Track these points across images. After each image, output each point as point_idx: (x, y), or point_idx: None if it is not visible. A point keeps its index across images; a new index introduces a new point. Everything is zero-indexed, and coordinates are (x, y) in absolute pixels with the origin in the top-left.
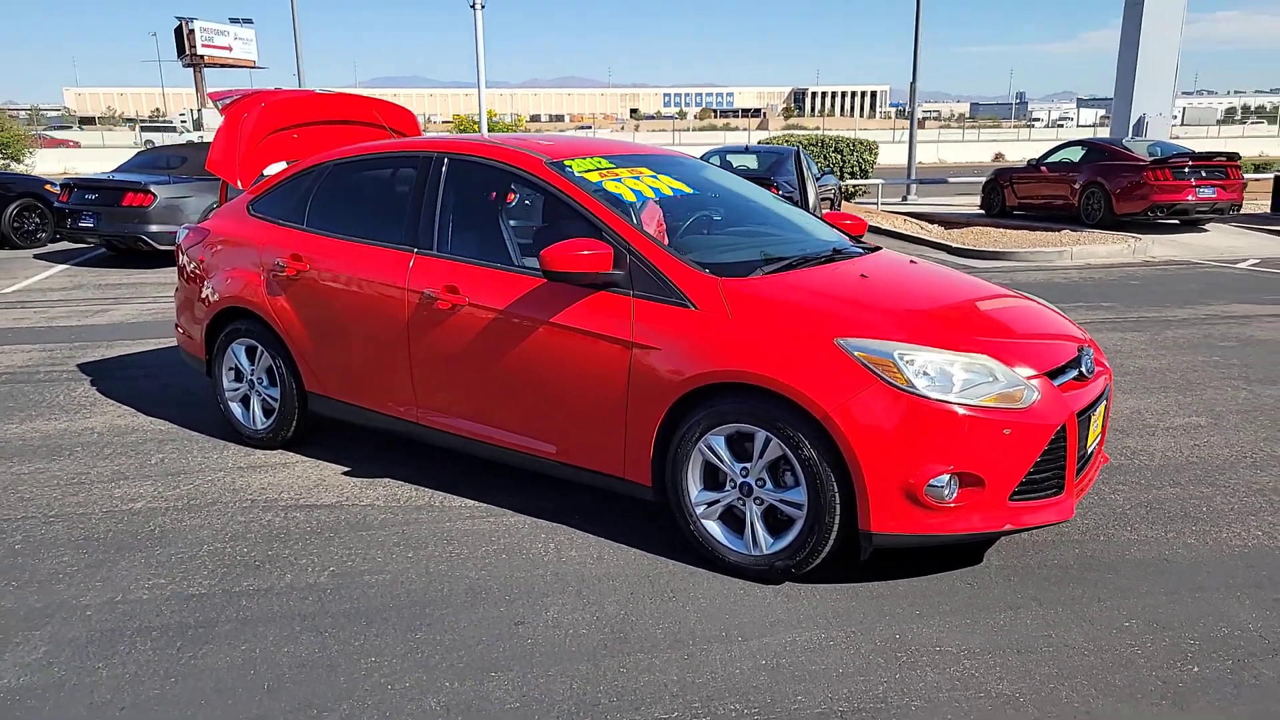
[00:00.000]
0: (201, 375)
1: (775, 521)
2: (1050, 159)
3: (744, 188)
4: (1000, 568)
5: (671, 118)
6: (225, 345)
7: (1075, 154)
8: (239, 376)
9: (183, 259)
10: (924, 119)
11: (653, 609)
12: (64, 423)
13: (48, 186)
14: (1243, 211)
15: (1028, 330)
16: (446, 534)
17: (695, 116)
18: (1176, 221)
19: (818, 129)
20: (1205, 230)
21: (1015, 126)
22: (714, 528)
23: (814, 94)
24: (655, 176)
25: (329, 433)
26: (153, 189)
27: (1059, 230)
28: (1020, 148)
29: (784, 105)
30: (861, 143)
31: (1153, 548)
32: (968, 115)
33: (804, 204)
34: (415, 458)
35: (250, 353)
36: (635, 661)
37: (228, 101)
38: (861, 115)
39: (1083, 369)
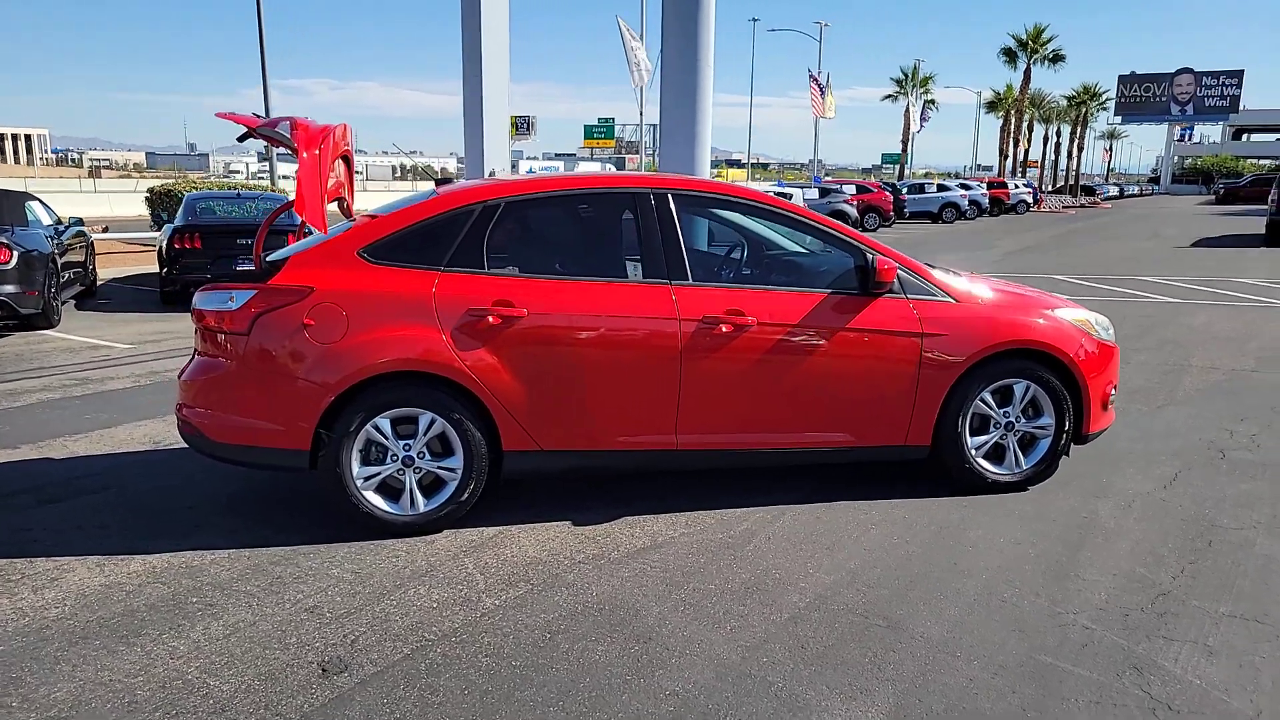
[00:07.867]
0: (130, 482)
1: (1022, 446)
2: None
3: None
4: (1067, 461)
5: None
6: (361, 424)
7: None
8: (372, 458)
9: (251, 329)
10: (96, 167)
11: (1021, 520)
12: (133, 567)
13: None
14: None
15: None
16: (794, 535)
17: None
18: None
19: None
20: None
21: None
22: (984, 463)
23: None
24: None
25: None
26: None
27: None
28: None
29: None
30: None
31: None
32: (145, 165)
33: None
34: (597, 495)
35: (400, 424)
36: (1094, 550)
37: (288, 131)
38: (19, 162)
39: None
